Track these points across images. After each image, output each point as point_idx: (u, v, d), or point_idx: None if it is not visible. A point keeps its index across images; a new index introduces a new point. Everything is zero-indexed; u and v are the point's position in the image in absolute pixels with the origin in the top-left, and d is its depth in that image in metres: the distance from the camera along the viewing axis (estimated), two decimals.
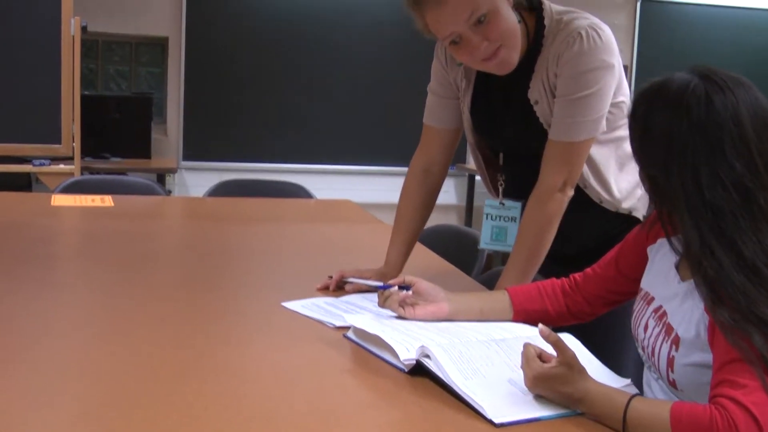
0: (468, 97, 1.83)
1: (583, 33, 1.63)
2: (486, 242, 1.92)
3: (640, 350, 1.34)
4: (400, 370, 1.29)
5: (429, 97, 1.91)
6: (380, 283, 1.60)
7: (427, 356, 1.25)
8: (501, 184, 1.91)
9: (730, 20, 6.38)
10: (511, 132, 1.82)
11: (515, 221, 1.88)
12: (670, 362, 1.21)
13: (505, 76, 1.70)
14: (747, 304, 1.07)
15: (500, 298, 1.54)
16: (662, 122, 1.17)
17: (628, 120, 1.24)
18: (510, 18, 1.62)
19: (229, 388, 1.20)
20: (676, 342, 1.20)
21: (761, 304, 1.07)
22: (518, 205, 1.87)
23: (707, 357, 1.14)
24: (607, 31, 1.66)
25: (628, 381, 1.27)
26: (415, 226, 1.93)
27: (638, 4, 6.34)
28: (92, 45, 5.78)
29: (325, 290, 1.80)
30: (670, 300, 1.25)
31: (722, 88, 1.14)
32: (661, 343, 1.24)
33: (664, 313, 1.26)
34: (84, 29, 4.21)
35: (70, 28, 4.09)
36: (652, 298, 1.31)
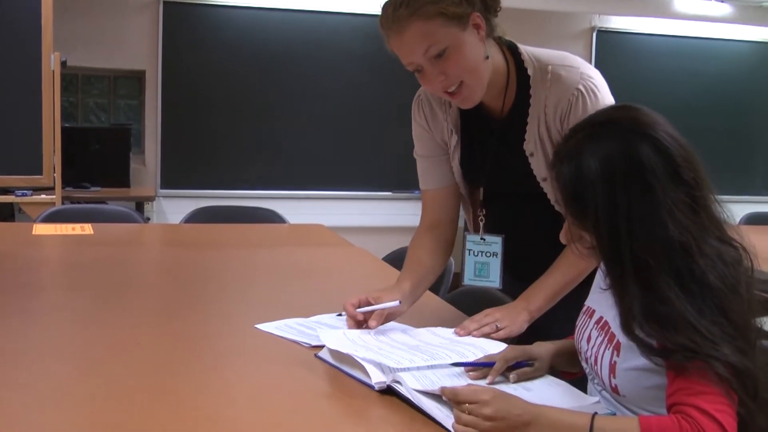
0: (458, 150, 1.79)
1: (582, 88, 1.60)
2: (470, 278, 1.85)
3: (583, 362, 1.36)
4: (371, 387, 1.29)
5: (419, 163, 1.86)
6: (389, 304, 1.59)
7: (398, 382, 1.25)
8: (482, 220, 1.86)
9: (681, 49, 6.46)
10: (500, 174, 1.78)
11: (497, 256, 1.82)
12: (612, 368, 1.23)
13: (495, 122, 1.68)
14: (708, 349, 1.06)
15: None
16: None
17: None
18: (474, 54, 1.56)
19: (206, 410, 1.22)
20: (618, 348, 1.22)
21: (725, 347, 1.06)
22: (499, 240, 1.82)
23: (647, 361, 1.15)
24: (594, 75, 1.64)
25: (596, 399, 1.28)
26: (422, 270, 1.78)
27: (594, 34, 6.36)
28: (72, 79, 5.80)
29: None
30: (611, 309, 1.25)
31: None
32: (604, 351, 1.26)
33: (606, 323, 1.28)
34: (64, 64, 4.23)
35: (51, 63, 4.08)
36: (593, 311, 1.35)
